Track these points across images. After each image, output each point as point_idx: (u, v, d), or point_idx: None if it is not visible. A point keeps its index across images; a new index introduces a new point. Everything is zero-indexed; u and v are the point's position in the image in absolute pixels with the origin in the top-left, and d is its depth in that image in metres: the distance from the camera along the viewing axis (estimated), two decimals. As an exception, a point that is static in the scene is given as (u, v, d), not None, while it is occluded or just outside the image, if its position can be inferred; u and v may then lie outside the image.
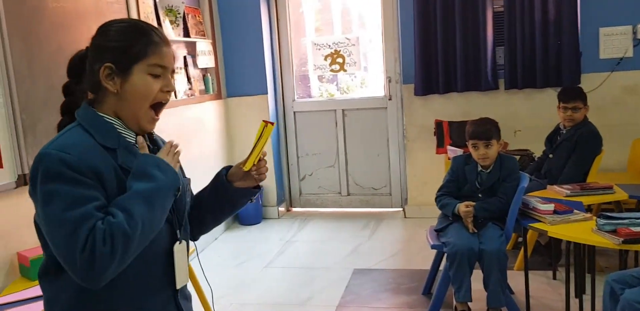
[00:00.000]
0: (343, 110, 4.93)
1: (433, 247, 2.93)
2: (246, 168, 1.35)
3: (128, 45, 1.20)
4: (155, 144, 1.35)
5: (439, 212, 3.06)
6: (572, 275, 2.85)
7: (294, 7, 4.98)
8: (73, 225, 1.05)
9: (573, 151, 3.43)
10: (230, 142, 4.78)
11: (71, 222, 1.06)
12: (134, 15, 3.36)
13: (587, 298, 2.78)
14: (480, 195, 2.94)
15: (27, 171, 2.43)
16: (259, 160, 1.36)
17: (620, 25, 4.17)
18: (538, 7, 4.17)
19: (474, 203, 2.85)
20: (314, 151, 5.04)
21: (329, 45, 4.86)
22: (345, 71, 4.88)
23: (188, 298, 1.37)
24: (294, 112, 5.02)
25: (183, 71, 4.04)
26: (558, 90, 3.74)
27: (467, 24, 4.30)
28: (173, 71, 1.29)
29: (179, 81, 3.95)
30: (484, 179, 2.95)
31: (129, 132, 1.25)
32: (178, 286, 1.29)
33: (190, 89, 4.10)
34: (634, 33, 4.15)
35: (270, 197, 4.87)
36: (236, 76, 4.75)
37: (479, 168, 2.97)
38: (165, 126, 3.70)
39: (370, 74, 5.21)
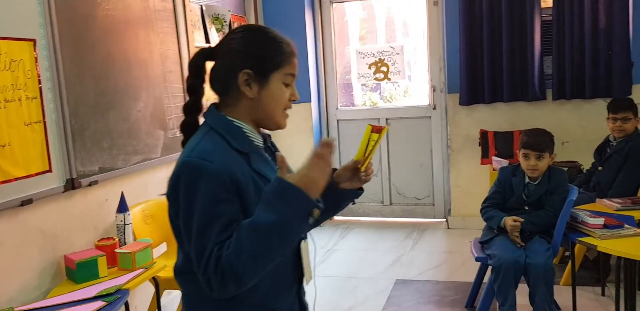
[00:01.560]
0: (387, 119, 4.91)
1: (477, 259, 2.87)
2: (363, 167, 1.36)
3: (270, 54, 1.23)
4: (273, 147, 1.37)
5: (482, 223, 3.00)
6: (621, 291, 2.74)
7: (338, 16, 5.00)
8: (201, 245, 1.09)
9: (624, 164, 3.32)
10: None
11: (201, 240, 1.09)
12: (182, 24, 3.44)
13: (638, 316, 2.66)
14: (526, 207, 2.87)
15: (75, 176, 2.51)
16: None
17: (676, 34, 4.03)
18: (588, 16, 4.07)
19: (522, 220, 2.78)
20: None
21: (373, 54, 4.86)
22: (389, 79, 4.86)
23: (305, 294, 1.42)
24: (337, 121, 5.03)
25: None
26: (608, 101, 3.63)
27: (514, 33, 4.23)
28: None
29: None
30: (531, 191, 2.88)
31: (257, 136, 1.27)
32: (306, 283, 1.33)
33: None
34: (691, 42, 4.00)
35: (311, 205, 4.87)
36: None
37: (527, 180, 2.90)
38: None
39: (414, 83, 5.18)
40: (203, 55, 1.28)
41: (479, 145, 4.43)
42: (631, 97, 3.82)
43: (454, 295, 3.27)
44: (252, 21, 4.54)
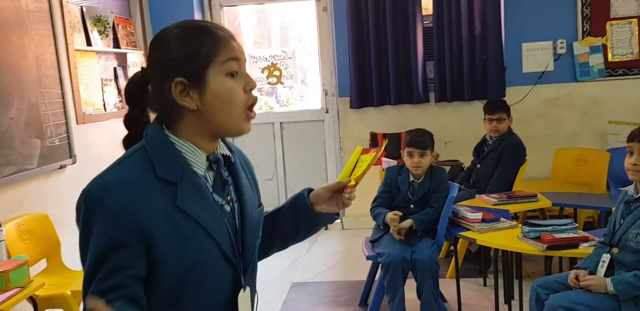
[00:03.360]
0: (281, 123, 4.94)
1: (368, 258, 2.95)
2: (352, 183, 1.21)
3: (193, 52, 1.02)
4: (230, 150, 1.16)
5: (374, 223, 3.10)
6: (500, 281, 2.94)
7: (229, 20, 4.96)
8: (85, 283, 0.98)
9: (499, 161, 3.56)
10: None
11: (86, 279, 0.98)
12: (59, 25, 3.25)
13: (515, 303, 2.87)
14: (412, 206, 3.00)
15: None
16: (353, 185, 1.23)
17: (542, 41, 4.40)
18: (465, 24, 4.34)
19: (401, 213, 2.90)
20: (253, 164, 4.99)
21: (266, 58, 4.87)
22: (282, 83, 4.90)
23: None
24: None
25: (113, 83, 3.93)
26: (484, 103, 3.89)
27: (398, 39, 4.42)
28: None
29: (109, 94, 3.84)
30: (415, 189, 3.02)
31: (200, 160, 1.06)
32: None
33: (120, 101, 3.99)
34: (554, 48, 4.39)
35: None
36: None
37: (411, 179, 3.03)
38: (96, 140, 3.60)
39: (309, 88, 5.25)
40: (134, 80, 1.09)
41: (369, 146, 4.57)
42: (505, 99, 4.12)
43: (348, 294, 3.34)
44: (138, 24, 4.39)
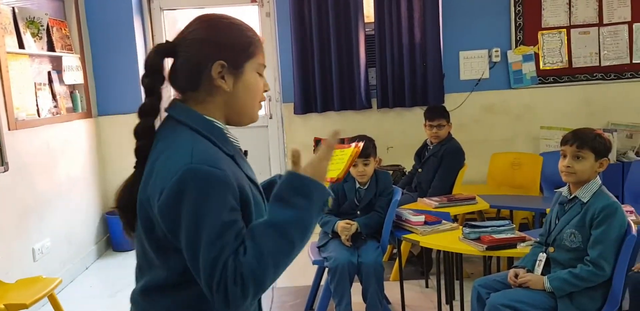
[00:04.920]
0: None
1: (314, 263, 2.96)
2: (342, 176, 1.31)
3: (242, 43, 1.14)
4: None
5: (319, 229, 3.11)
6: (442, 282, 3.02)
7: (170, 24, 4.87)
8: (213, 258, 1.00)
9: (439, 166, 3.66)
10: (102, 164, 4.52)
11: (212, 253, 1.00)
12: (-10, 27, 3.10)
13: (456, 303, 2.95)
14: (358, 212, 3.03)
15: None
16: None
17: (478, 49, 4.57)
18: (405, 31, 4.45)
19: (354, 223, 2.92)
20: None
21: (207, 63, 4.81)
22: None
23: None
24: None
25: (47, 87, 3.78)
26: (425, 109, 3.99)
27: (341, 46, 4.47)
28: None
29: (43, 98, 3.68)
30: (362, 195, 3.05)
31: (233, 136, 1.19)
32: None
33: (55, 106, 3.84)
34: (489, 56, 4.57)
35: (147, 219, 4.64)
36: (109, 94, 4.52)
37: (357, 185, 3.06)
38: (29, 147, 3.45)
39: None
40: (160, 51, 1.14)
41: (314, 152, 4.57)
42: (444, 105, 4.25)
43: (294, 300, 3.34)
44: (74, 26, 4.24)
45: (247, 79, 1.15)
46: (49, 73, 3.83)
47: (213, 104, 1.15)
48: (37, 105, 3.58)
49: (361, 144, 1.38)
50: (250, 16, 4.83)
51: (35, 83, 3.60)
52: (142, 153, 1.15)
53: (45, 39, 3.79)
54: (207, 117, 1.14)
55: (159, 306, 1.13)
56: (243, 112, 1.18)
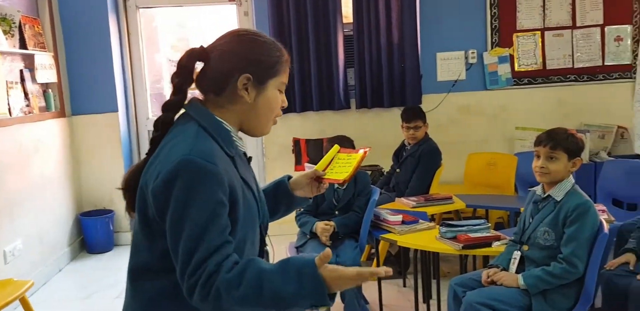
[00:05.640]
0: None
1: (292, 263, 2.95)
2: (326, 176, 1.45)
3: (270, 61, 1.23)
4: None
5: (297, 229, 3.10)
6: (420, 281, 3.04)
7: (146, 22, 4.82)
8: (192, 248, 1.06)
9: (417, 166, 3.69)
10: (75, 164, 4.44)
11: (193, 243, 1.06)
12: (-40, 24, 3.02)
13: (433, 302, 2.97)
14: (337, 212, 3.03)
15: None
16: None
17: (454, 51, 4.62)
18: (383, 32, 4.47)
19: (333, 223, 2.92)
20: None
21: (184, 63, 4.77)
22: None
23: None
24: (149, 131, 4.82)
25: (19, 85, 3.70)
26: (402, 109, 4.02)
27: (320, 46, 4.47)
28: None
29: (15, 97, 3.61)
30: (340, 196, 3.06)
31: (239, 140, 1.26)
32: None
33: (27, 106, 3.76)
34: (466, 58, 4.62)
35: (123, 222, 4.58)
36: (83, 93, 4.45)
37: (336, 185, 3.07)
38: (0, 147, 3.37)
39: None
40: (194, 55, 1.24)
41: (293, 153, 4.59)
42: (421, 106, 4.28)
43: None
44: (47, 24, 4.16)
45: (268, 94, 1.24)
46: (21, 71, 3.75)
47: (231, 111, 1.24)
48: (8, 104, 3.50)
49: (369, 149, 1.48)
50: (228, 15, 4.81)
51: (7, 82, 3.53)
52: (155, 142, 1.23)
53: (17, 36, 3.71)
54: (218, 118, 1.22)
55: (143, 290, 1.20)
56: (257, 124, 1.27)
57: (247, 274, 1.06)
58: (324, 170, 1.47)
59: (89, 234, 4.37)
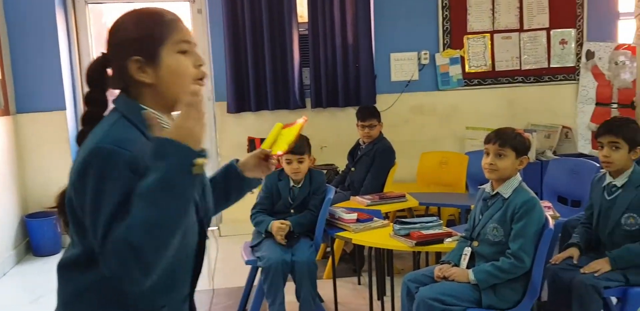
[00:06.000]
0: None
1: (247, 262, 2.94)
2: (274, 152, 1.44)
3: (147, 33, 1.16)
4: None
5: (252, 228, 3.09)
6: (374, 279, 3.08)
7: (95, 18, 4.70)
8: (103, 235, 1.03)
9: (371, 165, 3.74)
10: (21, 164, 4.28)
11: (108, 230, 1.03)
12: None
13: (387, 299, 3.02)
14: (292, 210, 3.04)
15: None
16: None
17: (408, 52, 4.69)
18: (338, 32, 4.50)
19: (288, 222, 2.93)
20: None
21: (136, 60, 4.68)
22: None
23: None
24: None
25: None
26: (357, 109, 4.06)
27: (275, 45, 4.47)
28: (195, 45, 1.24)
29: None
30: (296, 194, 3.06)
31: (168, 123, 1.19)
32: (197, 283, 1.30)
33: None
34: (419, 59, 4.70)
35: (71, 222, 4.44)
36: (29, 90, 4.30)
37: (291, 184, 3.07)
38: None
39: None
40: (95, 63, 1.21)
41: (247, 152, 4.56)
42: (375, 105, 4.33)
43: (226, 302, 3.30)
44: (-9, 18, 4.01)
45: (168, 64, 1.17)
46: (-37, 67, 3.60)
47: (145, 98, 1.18)
48: (-51, 101, 3.36)
49: (306, 117, 1.52)
50: (181, 12, 4.74)
51: (-53, 78, 3.38)
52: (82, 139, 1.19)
53: (-42, 30, 3.56)
54: (144, 106, 1.18)
55: (69, 282, 1.19)
56: (177, 97, 1.18)
57: (133, 208, 1.02)
58: (270, 148, 1.48)
59: (35, 237, 4.23)
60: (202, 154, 1.05)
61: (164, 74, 1.17)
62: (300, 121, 1.51)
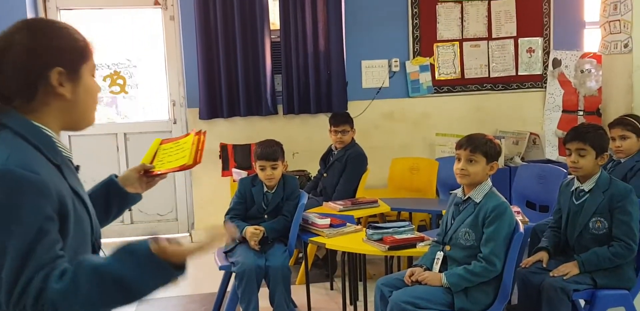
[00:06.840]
0: (125, 134, 4.70)
1: (221, 268, 2.93)
2: (155, 169, 1.39)
3: (79, 46, 1.11)
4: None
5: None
6: (347, 284, 3.10)
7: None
8: (19, 268, 0.94)
9: (344, 170, 3.77)
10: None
11: (19, 262, 0.94)
12: None
13: (360, 304, 3.04)
14: (266, 216, 3.04)
15: None
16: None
17: (379, 59, 4.76)
18: (310, 40, 4.54)
19: (262, 228, 2.93)
20: (94, 178, 4.63)
21: (108, 66, 4.63)
22: (126, 92, 4.67)
23: None
24: (69, 137, 4.62)
25: None
26: (329, 115, 4.09)
27: (247, 52, 4.47)
28: None
29: None
30: (269, 200, 3.07)
31: (63, 146, 1.13)
32: None
33: None
34: (389, 66, 4.77)
35: None
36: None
37: (265, 189, 3.07)
38: None
39: (154, 97, 5.06)
40: None
41: (220, 158, 4.54)
42: (348, 111, 4.37)
43: (199, 308, 3.28)
44: (-44, 22, 3.91)
45: (86, 82, 1.13)
46: None
47: (48, 112, 1.09)
48: None
49: (203, 131, 1.45)
50: (153, 19, 4.71)
51: None
52: None
53: None
54: (36, 123, 1.08)
55: None
56: (83, 117, 1.15)
57: (80, 276, 0.96)
58: (150, 163, 1.43)
59: None
60: (175, 276, 1.03)
61: (80, 92, 1.11)
62: (192, 133, 1.45)
